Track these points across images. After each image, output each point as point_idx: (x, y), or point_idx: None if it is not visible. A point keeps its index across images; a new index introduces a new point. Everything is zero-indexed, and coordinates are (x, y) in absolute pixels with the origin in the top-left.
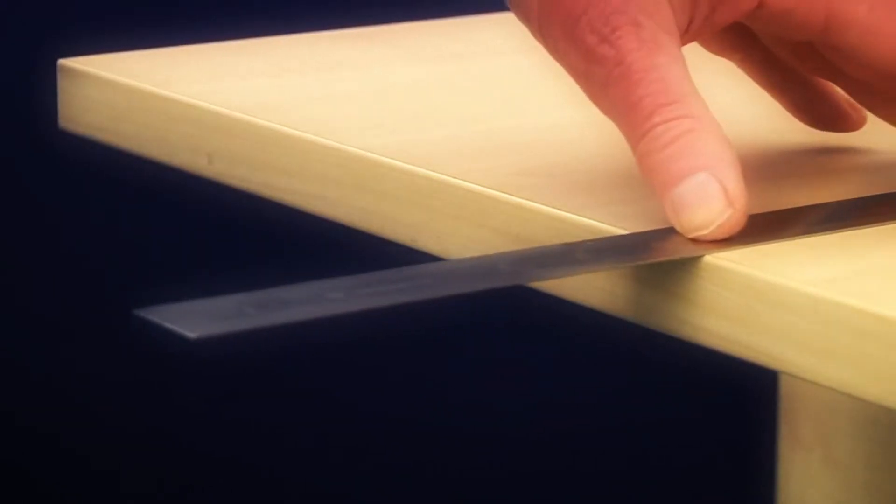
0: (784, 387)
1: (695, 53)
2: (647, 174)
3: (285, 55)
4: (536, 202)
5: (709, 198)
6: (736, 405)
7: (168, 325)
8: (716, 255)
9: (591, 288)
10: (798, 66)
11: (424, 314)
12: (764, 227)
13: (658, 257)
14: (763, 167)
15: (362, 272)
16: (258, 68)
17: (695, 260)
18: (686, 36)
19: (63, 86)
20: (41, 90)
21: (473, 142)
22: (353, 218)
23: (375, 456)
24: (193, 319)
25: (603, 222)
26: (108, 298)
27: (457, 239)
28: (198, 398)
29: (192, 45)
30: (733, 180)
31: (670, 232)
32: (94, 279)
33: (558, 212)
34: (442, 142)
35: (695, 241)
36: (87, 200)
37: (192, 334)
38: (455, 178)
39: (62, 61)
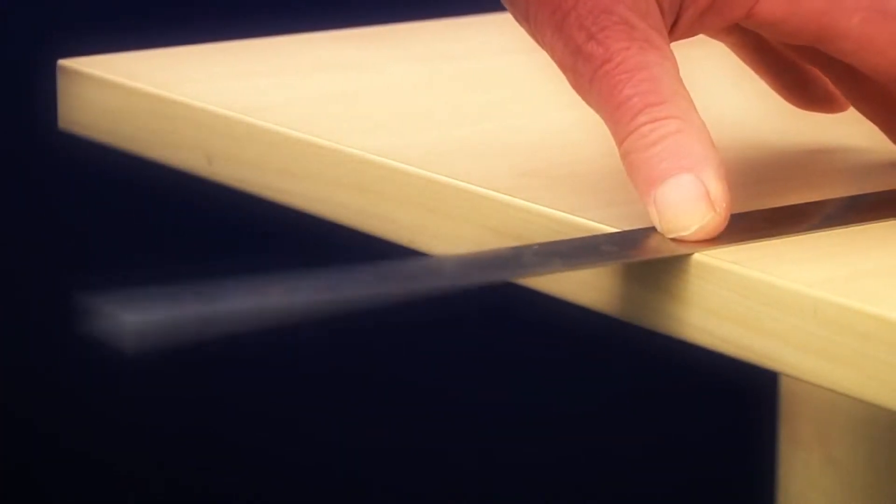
0: (784, 387)
1: (689, 50)
2: (631, 172)
3: (285, 55)
4: (536, 203)
5: (691, 200)
6: (736, 405)
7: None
8: (720, 258)
9: (588, 287)
10: (792, 56)
11: (412, 311)
12: (751, 226)
13: (640, 256)
14: (753, 167)
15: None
16: (258, 68)
17: (697, 262)
18: (671, 37)
19: (63, 86)
20: (41, 90)
21: (473, 142)
22: (353, 219)
23: (369, 453)
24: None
25: (603, 223)
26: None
27: (456, 240)
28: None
29: (192, 46)
30: (717, 183)
31: (652, 231)
32: (94, 279)
33: (558, 213)
34: (441, 142)
35: (676, 240)
36: (87, 201)
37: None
38: (455, 179)
39: (62, 62)
